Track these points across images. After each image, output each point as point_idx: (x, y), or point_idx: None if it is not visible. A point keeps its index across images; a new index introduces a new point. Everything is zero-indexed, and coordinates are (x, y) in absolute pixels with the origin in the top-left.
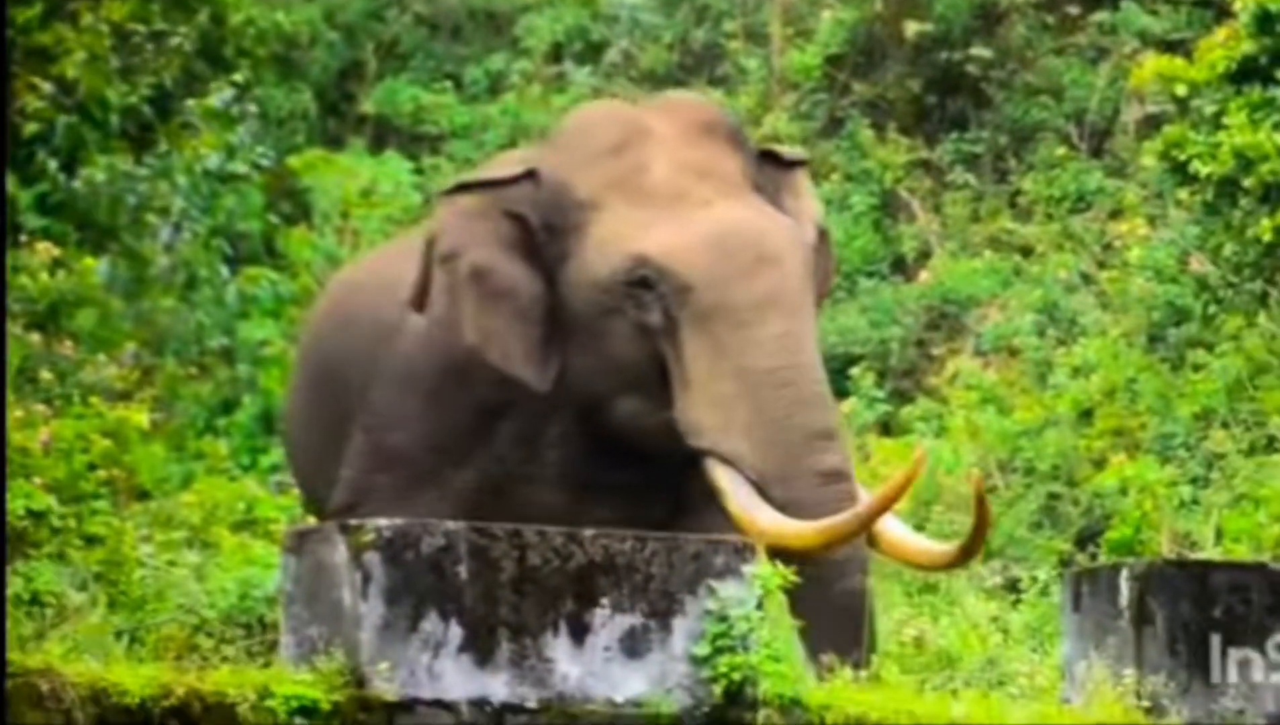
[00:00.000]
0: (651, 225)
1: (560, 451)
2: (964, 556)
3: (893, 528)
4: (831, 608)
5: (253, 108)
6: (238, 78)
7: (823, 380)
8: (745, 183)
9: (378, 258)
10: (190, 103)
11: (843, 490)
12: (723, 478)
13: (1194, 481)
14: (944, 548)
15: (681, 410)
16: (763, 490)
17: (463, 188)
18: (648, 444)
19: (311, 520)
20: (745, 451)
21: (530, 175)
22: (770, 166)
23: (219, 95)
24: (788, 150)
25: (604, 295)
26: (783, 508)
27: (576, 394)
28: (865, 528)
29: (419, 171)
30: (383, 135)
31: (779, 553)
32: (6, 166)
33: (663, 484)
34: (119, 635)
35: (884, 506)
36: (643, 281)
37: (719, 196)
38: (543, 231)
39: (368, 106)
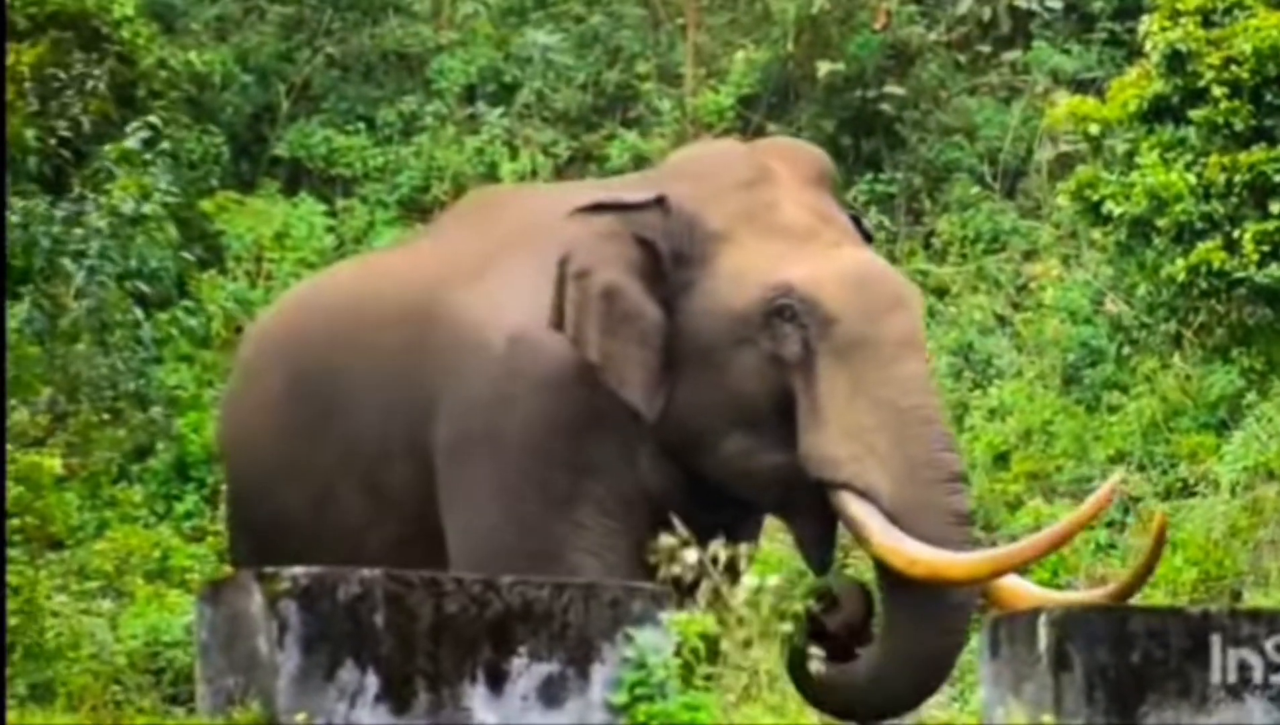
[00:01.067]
0: (789, 258)
1: (653, 479)
2: (1119, 599)
3: (1010, 579)
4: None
5: (166, 145)
6: (152, 119)
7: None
8: (857, 234)
9: (359, 277)
10: (106, 147)
11: (969, 535)
12: (859, 510)
13: (1110, 525)
14: (1077, 595)
15: (813, 443)
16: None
17: (596, 208)
18: (742, 486)
19: (228, 569)
20: (882, 485)
21: (660, 202)
22: (856, 228)
23: (134, 137)
24: (866, 221)
25: (737, 325)
26: None
27: (679, 429)
28: (1040, 558)
29: (332, 214)
30: (296, 177)
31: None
32: (6, 168)
33: (724, 528)
34: (34, 687)
35: (1066, 537)
36: (783, 311)
37: (845, 240)
38: (670, 259)
39: (280, 149)
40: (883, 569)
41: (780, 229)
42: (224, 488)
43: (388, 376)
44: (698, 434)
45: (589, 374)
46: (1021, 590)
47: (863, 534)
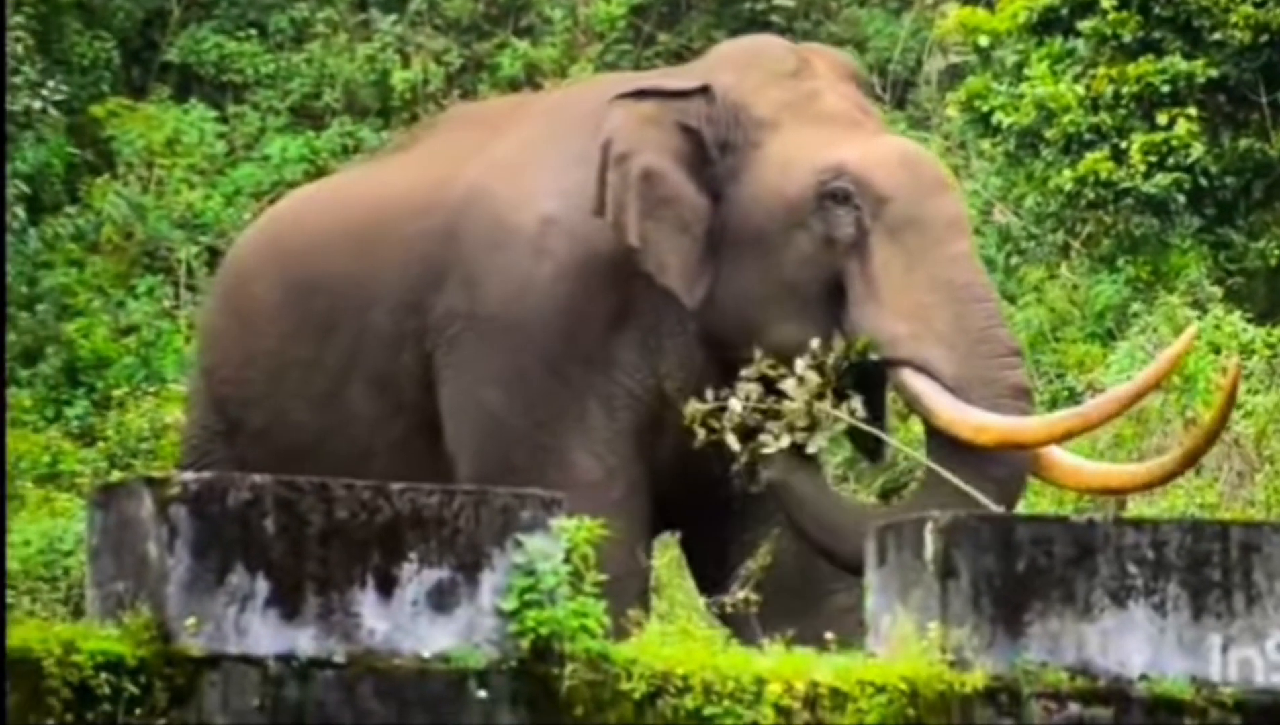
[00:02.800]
0: (837, 143)
1: (678, 373)
2: (1183, 467)
3: (1063, 455)
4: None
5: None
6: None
7: None
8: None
9: (360, 182)
10: None
11: (1028, 409)
12: (921, 385)
13: None
14: (1134, 467)
15: (870, 322)
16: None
17: (639, 94)
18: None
19: (117, 474)
20: (942, 360)
21: (704, 90)
22: None
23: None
24: None
25: (788, 209)
26: None
27: (724, 317)
28: (1109, 420)
29: (224, 120)
30: (187, 84)
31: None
32: (5, 164)
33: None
34: None
35: (1136, 398)
36: (835, 193)
37: (884, 132)
38: (715, 148)
39: (172, 55)
40: (936, 436)
41: (825, 117)
42: (200, 400)
43: (407, 268)
44: (745, 321)
45: (621, 266)
46: (1074, 464)
47: (926, 407)
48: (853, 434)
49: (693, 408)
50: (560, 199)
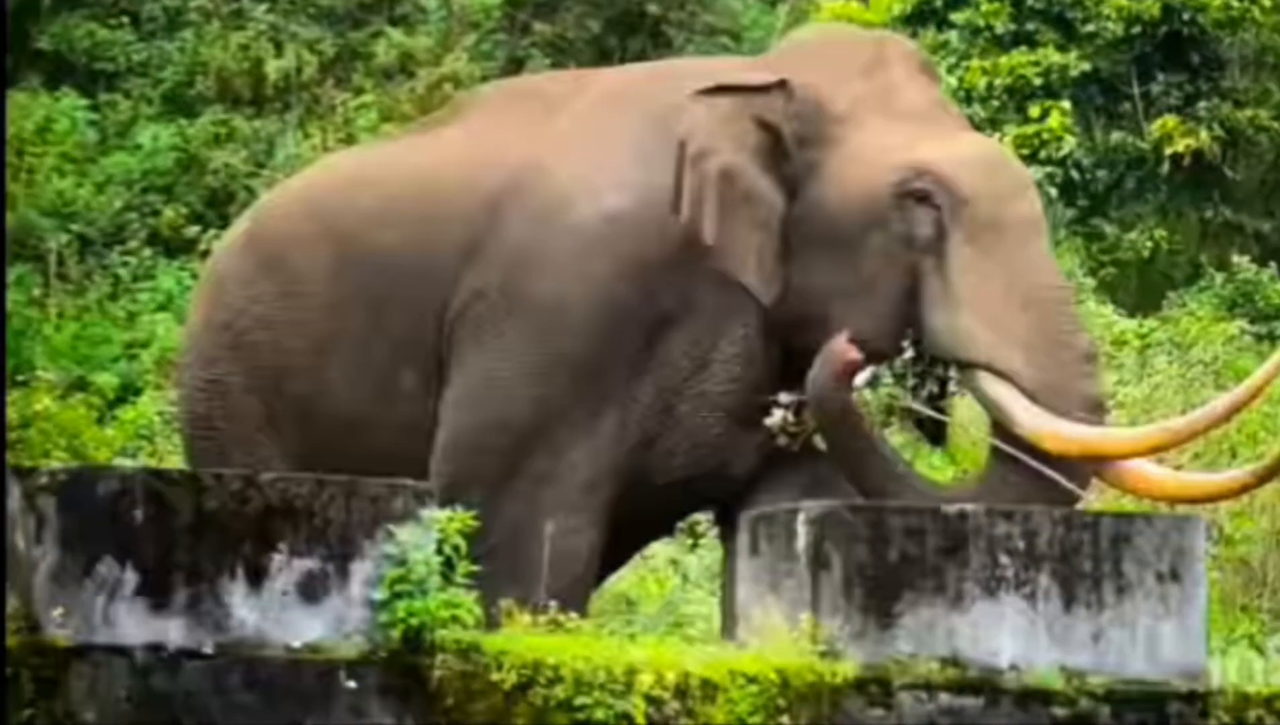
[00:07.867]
0: (917, 141)
1: (733, 369)
2: (1263, 480)
3: (1145, 465)
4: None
5: None
6: None
7: None
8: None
9: (407, 154)
10: None
11: (1097, 422)
12: (1000, 391)
13: None
14: (1211, 476)
15: (948, 324)
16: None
17: (717, 90)
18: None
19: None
20: (1019, 364)
21: (782, 85)
22: None
23: None
24: None
25: (868, 206)
26: None
27: (796, 311)
28: (1199, 435)
29: (95, 108)
30: (58, 72)
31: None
32: (5, 165)
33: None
34: None
35: (1226, 416)
36: (916, 193)
37: (964, 129)
38: (794, 142)
39: (43, 42)
40: (1002, 433)
41: (904, 113)
42: (218, 354)
43: (453, 244)
44: (817, 316)
45: (679, 266)
46: (1149, 473)
47: (1006, 415)
48: (915, 418)
49: (776, 420)
50: (624, 194)
